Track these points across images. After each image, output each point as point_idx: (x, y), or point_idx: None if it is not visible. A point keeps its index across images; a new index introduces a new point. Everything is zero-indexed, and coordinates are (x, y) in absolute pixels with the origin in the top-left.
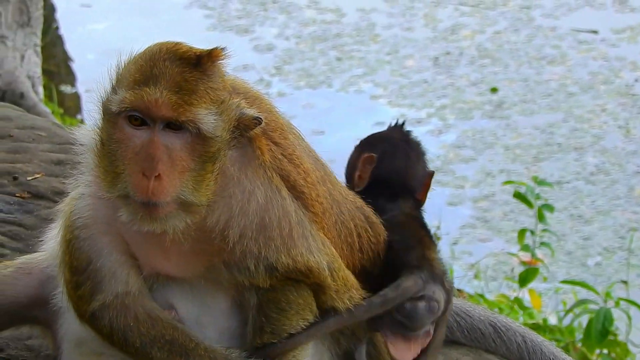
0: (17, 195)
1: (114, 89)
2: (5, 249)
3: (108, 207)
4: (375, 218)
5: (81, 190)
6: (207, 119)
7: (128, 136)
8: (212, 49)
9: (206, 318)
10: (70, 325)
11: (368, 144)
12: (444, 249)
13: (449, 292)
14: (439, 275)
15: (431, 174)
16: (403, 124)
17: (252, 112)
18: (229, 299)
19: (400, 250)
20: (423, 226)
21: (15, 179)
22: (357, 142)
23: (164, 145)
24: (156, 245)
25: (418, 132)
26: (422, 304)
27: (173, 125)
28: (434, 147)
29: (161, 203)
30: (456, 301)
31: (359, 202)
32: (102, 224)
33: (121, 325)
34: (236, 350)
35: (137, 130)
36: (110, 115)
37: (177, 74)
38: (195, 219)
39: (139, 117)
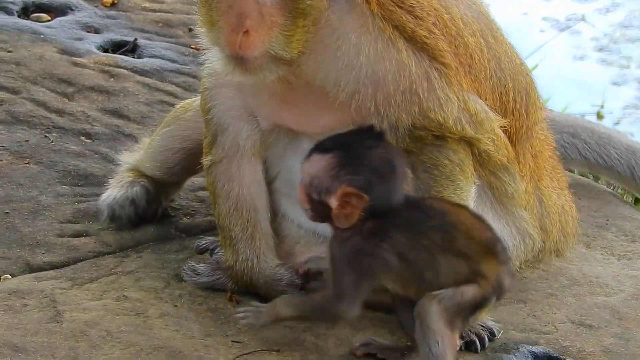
0: (192, 46)
1: None
2: (179, 100)
3: None
4: (536, 94)
5: None
6: None
7: None
8: None
9: None
10: None
11: (346, 169)
12: None
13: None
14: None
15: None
16: (381, 134)
17: None
18: None
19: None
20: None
21: (190, 30)
22: (321, 147)
23: (254, 1)
24: (273, 97)
25: (585, 10)
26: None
27: None
28: (600, 24)
29: (250, 57)
30: None
31: (526, 70)
32: (222, 75)
33: (217, 187)
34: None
35: None
36: None
37: None
38: (290, 71)
39: None
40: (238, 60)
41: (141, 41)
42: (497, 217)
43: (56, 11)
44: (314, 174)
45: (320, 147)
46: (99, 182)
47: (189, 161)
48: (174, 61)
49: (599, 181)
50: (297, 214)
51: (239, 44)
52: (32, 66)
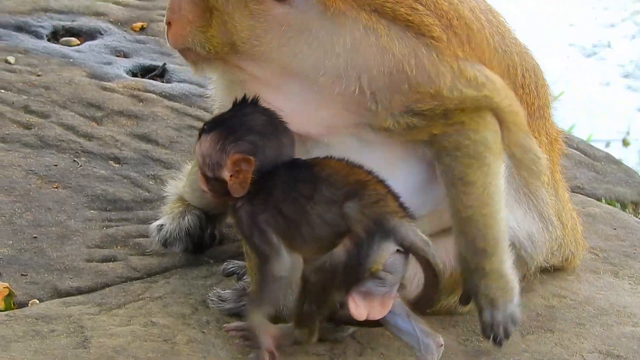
0: None
1: None
2: None
3: None
4: (544, 79)
5: None
6: None
7: None
8: None
9: None
10: None
11: (229, 139)
12: (632, 156)
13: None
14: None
15: None
16: (256, 101)
17: None
18: (396, 159)
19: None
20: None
21: None
22: (206, 127)
23: None
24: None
25: (611, 36)
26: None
27: None
28: (626, 51)
29: (178, 49)
30: None
31: (532, 56)
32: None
33: None
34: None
35: None
36: None
37: None
38: (239, 67)
39: None
40: (180, 53)
41: (170, 66)
42: (519, 200)
43: (85, 35)
44: (204, 153)
45: (205, 129)
46: (127, 207)
47: None
48: (202, 86)
49: (626, 210)
50: None
51: (166, 36)
52: (61, 90)
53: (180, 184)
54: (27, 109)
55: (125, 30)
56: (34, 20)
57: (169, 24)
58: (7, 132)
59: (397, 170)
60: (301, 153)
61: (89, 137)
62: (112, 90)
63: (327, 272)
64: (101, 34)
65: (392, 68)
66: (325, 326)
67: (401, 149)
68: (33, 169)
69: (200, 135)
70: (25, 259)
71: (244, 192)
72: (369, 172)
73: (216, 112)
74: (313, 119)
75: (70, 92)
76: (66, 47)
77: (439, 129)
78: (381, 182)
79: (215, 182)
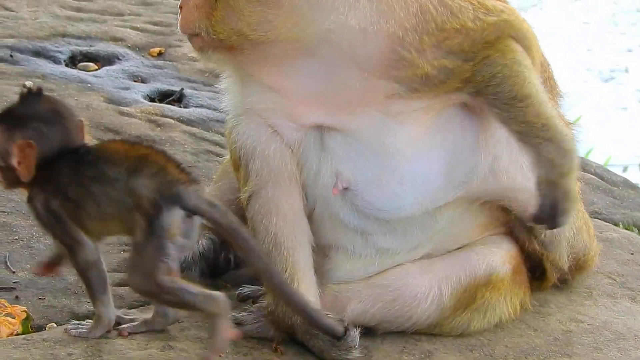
0: None
1: None
2: (224, 149)
3: None
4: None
5: None
6: None
7: None
8: None
9: (390, 175)
10: None
11: (16, 126)
12: None
13: None
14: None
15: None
16: (39, 91)
17: None
18: (429, 133)
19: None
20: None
21: None
22: None
23: None
24: (288, 97)
25: (629, 61)
26: None
27: None
28: None
29: (188, 36)
30: None
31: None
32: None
33: (256, 222)
34: None
35: None
36: None
37: None
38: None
39: None
40: (188, 39)
41: (187, 91)
42: None
43: (103, 60)
44: None
45: None
46: None
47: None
48: (220, 111)
49: None
50: (344, 242)
51: (178, 20)
52: (79, 115)
53: None
54: None
55: (143, 56)
56: (52, 45)
57: (180, 8)
58: None
59: (429, 145)
60: (328, 159)
61: None
62: (130, 115)
63: (140, 265)
64: (119, 59)
65: (417, 10)
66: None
67: (432, 119)
68: None
69: None
70: (42, 282)
71: (30, 176)
72: (148, 147)
73: (232, 120)
74: (337, 100)
75: (88, 117)
76: (84, 72)
77: (469, 70)
78: (160, 152)
79: (7, 171)
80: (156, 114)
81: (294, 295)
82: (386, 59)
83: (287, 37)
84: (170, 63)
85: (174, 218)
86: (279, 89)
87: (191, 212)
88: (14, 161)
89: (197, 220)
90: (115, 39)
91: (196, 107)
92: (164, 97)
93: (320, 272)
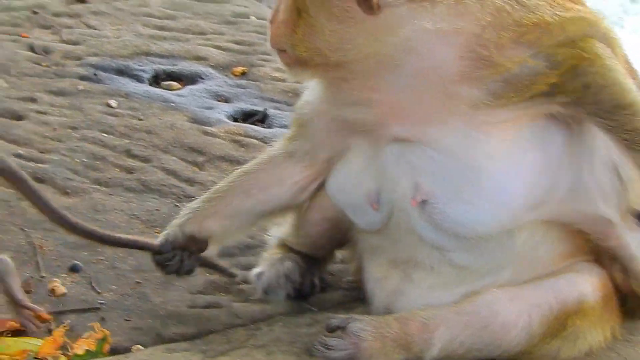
0: None
1: None
2: None
3: None
4: None
5: None
6: None
7: None
8: None
9: (470, 189)
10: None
11: None
12: None
13: None
14: None
15: None
16: None
17: None
18: (512, 148)
19: None
20: None
21: None
22: None
23: None
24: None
25: None
26: None
27: None
28: None
29: (275, 49)
30: None
31: None
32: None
33: None
34: None
35: None
36: None
37: None
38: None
39: None
40: (277, 54)
41: (271, 111)
42: None
43: (187, 80)
44: None
45: None
46: (230, 253)
47: (332, 232)
48: None
49: None
50: (422, 257)
51: (268, 34)
52: (163, 134)
53: (282, 228)
54: (129, 153)
55: (226, 75)
56: (136, 64)
57: (271, 22)
58: (109, 177)
59: (511, 160)
60: (399, 158)
61: (190, 181)
62: (214, 135)
63: None
64: (202, 78)
65: (493, 9)
66: None
67: (517, 133)
68: (135, 213)
69: None
70: (128, 304)
71: None
72: None
73: (314, 119)
74: (419, 111)
75: (172, 137)
76: (167, 91)
77: (555, 76)
78: None
79: None
80: (240, 134)
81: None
82: (465, 60)
83: (367, 53)
84: (253, 83)
85: None
86: (361, 102)
87: None
88: None
89: None
90: (198, 58)
91: (279, 127)
92: (247, 117)
93: (401, 290)
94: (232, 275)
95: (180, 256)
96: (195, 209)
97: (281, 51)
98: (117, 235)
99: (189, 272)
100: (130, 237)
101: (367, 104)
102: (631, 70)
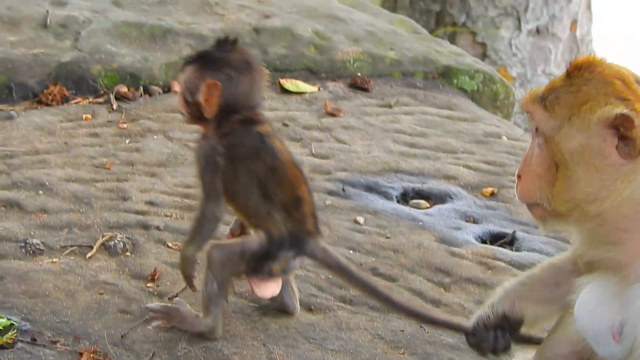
0: None
1: None
2: None
3: None
4: None
5: None
6: (549, 123)
7: None
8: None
9: None
10: None
11: (209, 67)
12: None
13: None
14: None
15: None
16: (235, 41)
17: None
18: None
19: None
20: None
21: None
22: (192, 58)
23: (533, 147)
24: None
25: None
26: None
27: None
28: None
29: (527, 204)
30: None
31: None
32: None
33: None
34: None
35: None
36: None
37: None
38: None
39: None
40: (527, 207)
41: (520, 234)
42: None
43: (435, 199)
44: (185, 80)
45: (189, 61)
46: None
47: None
48: (552, 255)
49: None
50: None
51: (515, 189)
52: (410, 254)
53: (529, 356)
54: (375, 272)
55: (475, 195)
56: (385, 180)
57: (519, 176)
58: (354, 294)
59: None
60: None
61: (436, 303)
62: (461, 256)
63: (235, 254)
64: (451, 197)
65: None
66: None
67: None
68: (380, 333)
69: (183, 67)
70: None
71: (213, 114)
72: (309, 190)
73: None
74: None
75: (419, 257)
76: (415, 209)
77: None
78: (312, 201)
79: (192, 106)
80: (487, 257)
81: (404, 304)
82: None
83: (623, 198)
84: (503, 204)
85: (288, 259)
86: (611, 242)
87: (309, 257)
88: (201, 97)
89: (298, 262)
90: (448, 177)
91: (528, 251)
92: (495, 239)
93: None
94: None
95: (495, 334)
96: (508, 290)
97: (534, 205)
98: (434, 314)
99: (506, 349)
100: (445, 316)
101: (617, 243)
102: None
